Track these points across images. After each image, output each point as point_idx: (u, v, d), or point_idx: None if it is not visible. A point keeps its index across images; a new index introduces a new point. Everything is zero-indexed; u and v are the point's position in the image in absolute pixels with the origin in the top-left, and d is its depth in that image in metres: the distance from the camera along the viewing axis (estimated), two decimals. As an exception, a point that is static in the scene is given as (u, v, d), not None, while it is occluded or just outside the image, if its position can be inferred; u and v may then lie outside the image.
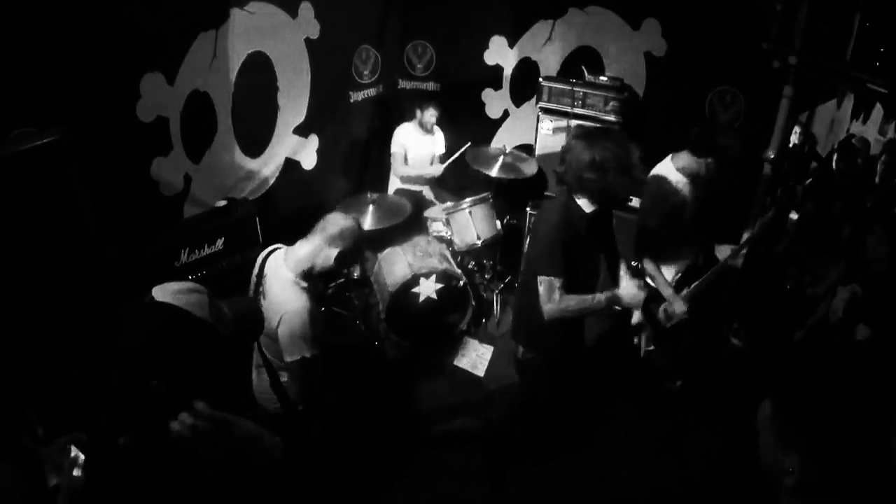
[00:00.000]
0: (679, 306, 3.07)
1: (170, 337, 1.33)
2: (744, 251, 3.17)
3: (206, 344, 1.37)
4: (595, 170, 2.36)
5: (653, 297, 3.21)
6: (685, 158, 3.05)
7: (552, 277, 2.39)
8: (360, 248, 2.51)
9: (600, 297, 2.52)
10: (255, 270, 2.45)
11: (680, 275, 3.25)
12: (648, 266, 3.11)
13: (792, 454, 1.07)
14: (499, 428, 3.15)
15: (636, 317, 3.26)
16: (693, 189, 3.06)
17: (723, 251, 3.35)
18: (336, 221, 2.41)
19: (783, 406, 1.11)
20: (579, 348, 2.76)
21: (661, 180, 3.08)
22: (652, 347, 3.38)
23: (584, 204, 2.51)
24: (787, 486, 1.08)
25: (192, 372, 1.35)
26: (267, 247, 2.56)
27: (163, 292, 1.38)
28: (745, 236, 3.69)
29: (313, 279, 2.42)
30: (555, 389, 2.83)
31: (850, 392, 1.05)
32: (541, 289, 2.39)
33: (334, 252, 2.38)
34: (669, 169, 3.09)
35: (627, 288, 2.62)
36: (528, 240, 2.87)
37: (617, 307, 2.63)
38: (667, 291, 3.10)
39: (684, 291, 3.14)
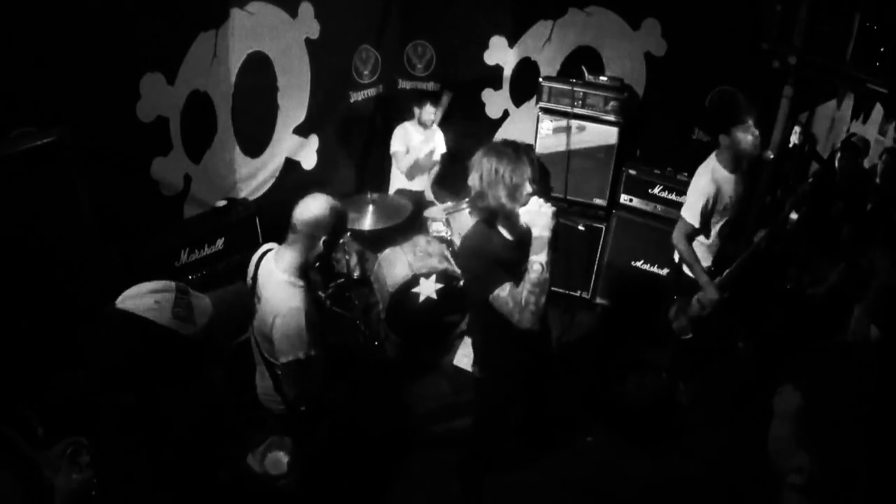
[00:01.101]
0: (712, 293, 3.22)
1: (127, 349, 1.29)
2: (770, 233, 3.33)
3: (167, 351, 1.32)
4: (485, 189, 2.20)
5: (686, 289, 3.31)
6: (722, 151, 3.23)
7: (499, 289, 2.18)
8: (342, 224, 2.43)
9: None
10: (250, 273, 2.44)
11: (712, 262, 3.38)
12: (686, 254, 3.26)
13: (804, 453, 1.06)
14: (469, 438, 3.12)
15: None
16: (738, 179, 3.25)
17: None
18: (306, 217, 2.32)
19: (811, 405, 1.09)
20: (537, 359, 2.61)
21: (705, 178, 3.24)
22: (690, 335, 3.50)
23: (504, 230, 2.33)
24: (793, 482, 1.07)
25: (157, 380, 1.31)
26: (261, 248, 2.56)
27: (125, 297, 1.34)
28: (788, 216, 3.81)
29: (311, 273, 2.40)
30: (512, 404, 2.73)
31: (880, 411, 1.03)
32: (507, 307, 2.17)
33: (320, 241, 2.33)
34: (711, 164, 3.27)
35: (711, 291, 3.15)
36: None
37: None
38: (703, 279, 3.24)
39: (717, 279, 3.29)
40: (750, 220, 3.82)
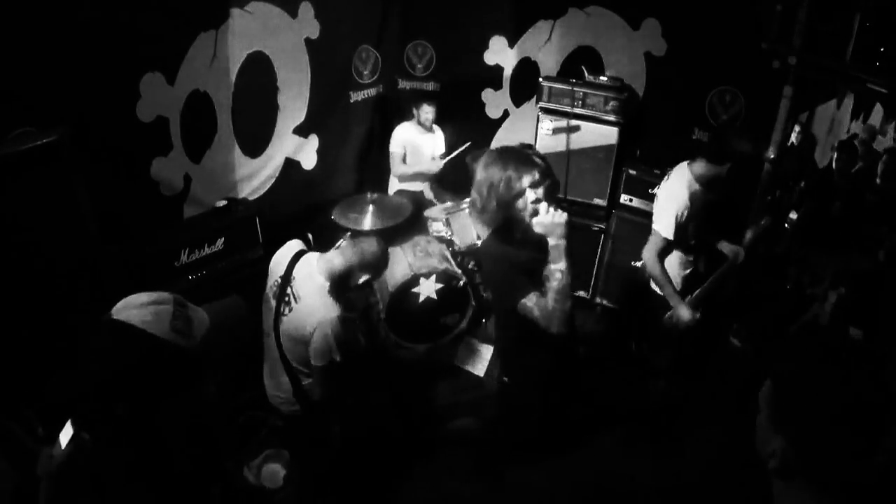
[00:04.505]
0: (685, 313, 3.10)
1: (122, 360, 1.27)
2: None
3: (163, 364, 1.30)
4: (484, 201, 2.20)
5: (660, 304, 3.24)
6: (702, 167, 3.03)
7: (525, 299, 2.21)
8: (381, 273, 2.64)
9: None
10: (281, 272, 2.45)
11: (682, 281, 3.25)
12: (657, 273, 3.12)
13: (779, 437, 1.08)
14: (491, 429, 3.14)
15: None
16: (705, 195, 3.07)
17: (723, 247, 3.36)
18: (373, 250, 2.47)
19: (780, 388, 1.11)
20: (561, 363, 2.60)
21: (679, 189, 3.05)
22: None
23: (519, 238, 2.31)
24: (771, 467, 1.09)
25: (152, 392, 1.30)
26: (280, 246, 2.58)
27: (123, 307, 1.32)
28: (748, 236, 3.69)
29: (341, 294, 2.45)
30: (536, 409, 2.73)
31: (847, 389, 1.05)
32: (534, 314, 2.20)
33: (364, 277, 2.47)
34: (686, 177, 3.08)
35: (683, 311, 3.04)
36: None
37: None
38: (674, 300, 3.13)
39: (688, 298, 3.17)
40: (751, 221, 3.81)
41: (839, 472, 1.03)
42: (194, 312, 1.40)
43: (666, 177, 3.23)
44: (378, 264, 2.52)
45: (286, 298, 2.40)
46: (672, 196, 3.05)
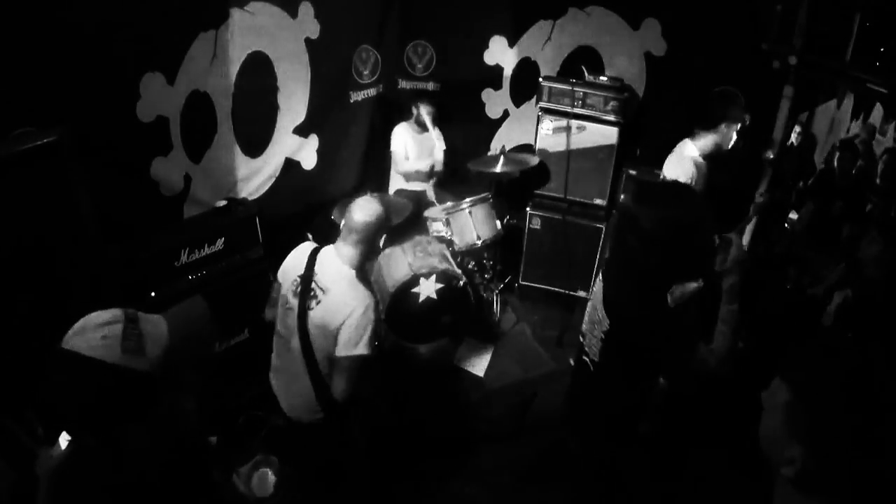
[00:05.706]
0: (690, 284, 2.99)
1: (76, 396, 1.24)
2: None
3: (119, 391, 1.26)
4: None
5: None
6: (700, 137, 3.21)
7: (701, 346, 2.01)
8: (391, 220, 2.56)
9: None
10: (299, 272, 2.42)
11: None
12: None
13: (797, 445, 1.06)
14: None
15: None
16: (709, 171, 3.19)
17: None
18: (369, 219, 2.38)
19: (800, 396, 1.09)
20: None
21: (686, 161, 3.18)
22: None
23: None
24: (786, 475, 1.07)
25: (114, 421, 1.27)
26: (283, 247, 2.59)
27: (73, 334, 1.29)
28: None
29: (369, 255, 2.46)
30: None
31: (868, 397, 1.04)
32: (710, 363, 1.99)
33: (380, 240, 2.46)
34: (690, 150, 3.22)
35: None
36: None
37: None
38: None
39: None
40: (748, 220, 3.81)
41: (865, 484, 1.02)
42: (148, 325, 1.34)
43: (670, 154, 3.35)
44: (382, 225, 2.45)
45: (311, 293, 2.36)
46: (678, 165, 3.18)
